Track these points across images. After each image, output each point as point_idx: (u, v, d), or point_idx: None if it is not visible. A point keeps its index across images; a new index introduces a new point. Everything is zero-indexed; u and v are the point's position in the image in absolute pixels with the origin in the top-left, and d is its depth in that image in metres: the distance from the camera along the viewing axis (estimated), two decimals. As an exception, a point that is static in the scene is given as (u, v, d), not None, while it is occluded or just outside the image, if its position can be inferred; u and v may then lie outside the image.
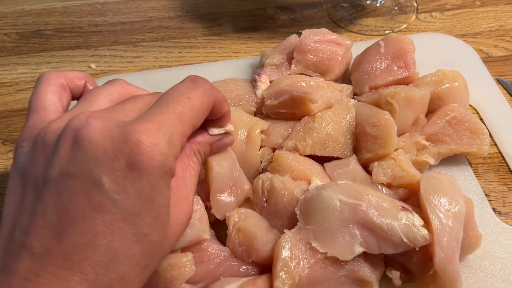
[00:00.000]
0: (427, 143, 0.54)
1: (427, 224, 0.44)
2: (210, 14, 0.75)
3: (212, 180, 0.48)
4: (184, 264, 0.44)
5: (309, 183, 0.49)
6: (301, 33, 0.61)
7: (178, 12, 0.76)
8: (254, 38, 0.71)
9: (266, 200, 0.49)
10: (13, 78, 0.67)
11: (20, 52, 0.70)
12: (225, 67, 0.67)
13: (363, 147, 0.53)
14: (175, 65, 0.68)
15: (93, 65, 0.68)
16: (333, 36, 0.61)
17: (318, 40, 0.60)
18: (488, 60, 0.67)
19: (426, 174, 0.48)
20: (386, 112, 0.53)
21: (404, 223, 0.44)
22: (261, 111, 0.57)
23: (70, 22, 0.75)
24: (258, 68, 0.63)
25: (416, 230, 0.44)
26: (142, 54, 0.70)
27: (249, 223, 0.47)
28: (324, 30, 0.61)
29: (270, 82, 0.60)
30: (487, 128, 0.59)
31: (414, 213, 0.45)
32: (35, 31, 0.73)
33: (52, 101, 0.38)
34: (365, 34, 0.71)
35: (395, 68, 0.58)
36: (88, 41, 0.72)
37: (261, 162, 0.53)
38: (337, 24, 0.73)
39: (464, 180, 0.55)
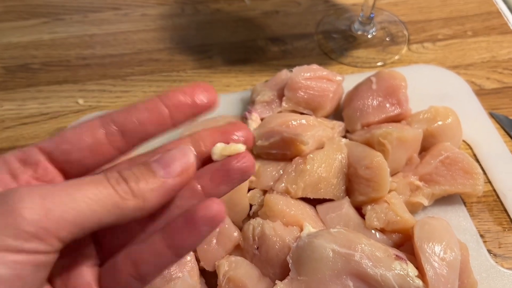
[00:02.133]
0: (420, 184, 0.54)
1: (421, 273, 0.43)
2: (200, 46, 0.74)
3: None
4: (172, 319, 0.43)
5: (301, 229, 0.48)
6: (291, 70, 0.60)
7: (167, 44, 0.75)
8: (245, 71, 0.70)
9: (257, 248, 0.48)
10: (-2, 115, 0.66)
11: (6, 88, 0.69)
12: (215, 102, 0.65)
13: (355, 189, 0.52)
14: (165, 100, 0.67)
15: (80, 101, 0.67)
16: (324, 72, 0.60)
17: (309, 77, 0.59)
18: (480, 93, 0.66)
19: (419, 220, 0.47)
20: (379, 153, 0.52)
21: (398, 274, 0.43)
22: (252, 151, 0.56)
23: (57, 55, 0.73)
24: (249, 104, 0.62)
25: (410, 281, 0.42)
26: (131, 88, 0.69)
27: (239, 272, 0.46)
28: (314, 66, 0.61)
29: (261, 119, 0.60)
30: (480, 165, 0.58)
31: (408, 262, 0.44)
32: (22, 65, 0.72)
33: None
34: (356, 66, 0.71)
35: (387, 105, 0.58)
36: (76, 75, 0.71)
37: (251, 205, 0.52)
38: (328, 55, 0.72)
39: (459, 220, 0.54)
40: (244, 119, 0.60)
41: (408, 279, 0.43)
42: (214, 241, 0.48)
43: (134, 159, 0.31)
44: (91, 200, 0.25)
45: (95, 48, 0.74)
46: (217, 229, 0.48)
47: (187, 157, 0.29)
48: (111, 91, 0.69)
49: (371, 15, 0.72)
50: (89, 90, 0.69)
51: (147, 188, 0.27)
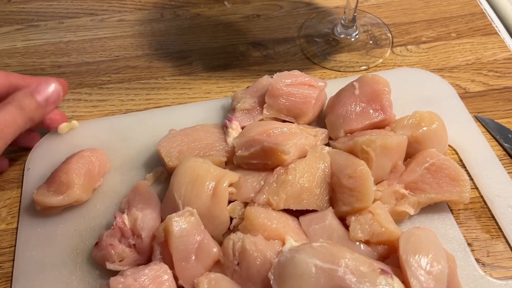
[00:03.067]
0: (406, 192, 0.52)
1: (408, 288, 0.42)
2: (179, 52, 0.72)
3: (172, 247, 0.44)
4: None
5: (283, 243, 0.46)
6: (272, 76, 0.59)
7: (146, 50, 0.72)
8: (226, 77, 0.69)
9: (238, 263, 0.46)
10: (-31, 128, 0.63)
11: (-23, 98, 0.66)
12: (195, 109, 0.64)
13: (339, 199, 0.50)
14: (143, 108, 0.65)
15: (55, 111, 0.65)
16: (306, 78, 0.59)
17: (290, 83, 0.58)
18: (465, 96, 0.65)
19: (405, 231, 0.46)
20: (362, 162, 0.50)
21: (383, 289, 0.41)
22: (233, 161, 0.55)
23: (31, 64, 0.71)
24: (229, 112, 0.60)
25: (396, 296, 0.41)
26: (107, 97, 0.66)
27: (218, 291, 0.44)
28: (296, 72, 0.59)
29: (242, 128, 0.58)
30: (467, 170, 0.57)
31: (394, 276, 0.42)
32: (-6, 74, 0.69)
33: None
34: (339, 71, 0.69)
35: (371, 111, 0.56)
36: (50, 84, 0.68)
37: (232, 218, 0.50)
38: (310, 60, 0.70)
39: (446, 229, 0.52)
40: (224, 127, 0.58)
41: (394, 294, 0.41)
42: (193, 257, 0.46)
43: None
44: (14, 121, 0.50)
45: (71, 55, 0.72)
46: (196, 245, 0.46)
47: (58, 92, 0.55)
48: (87, 100, 0.66)
49: (353, 18, 0.71)
50: (64, 99, 0.66)
51: (37, 115, 0.53)
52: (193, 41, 0.73)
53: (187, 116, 0.62)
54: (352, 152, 0.53)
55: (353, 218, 0.49)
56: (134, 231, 0.49)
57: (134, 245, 0.49)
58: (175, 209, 0.49)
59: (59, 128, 0.60)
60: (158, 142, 0.56)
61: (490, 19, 0.76)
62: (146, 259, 0.49)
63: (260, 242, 0.46)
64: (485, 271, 0.50)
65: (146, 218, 0.50)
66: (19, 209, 0.55)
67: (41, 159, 0.59)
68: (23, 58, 0.72)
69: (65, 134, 0.61)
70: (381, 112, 0.56)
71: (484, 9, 0.78)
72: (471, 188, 0.55)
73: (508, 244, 0.52)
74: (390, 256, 0.47)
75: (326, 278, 0.41)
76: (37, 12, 0.78)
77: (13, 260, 0.52)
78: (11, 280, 0.50)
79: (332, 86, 0.62)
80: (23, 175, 0.58)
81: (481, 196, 0.56)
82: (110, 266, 0.48)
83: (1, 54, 0.72)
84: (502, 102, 0.65)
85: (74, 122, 0.61)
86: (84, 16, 0.78)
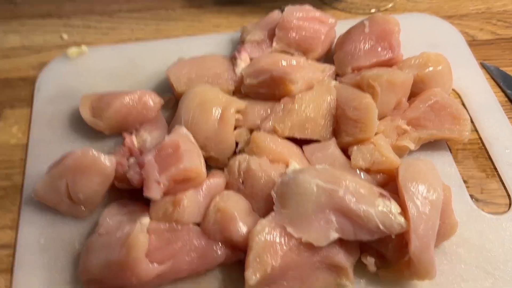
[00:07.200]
0: (408, 128, 0.53)
1: (404, 211, 0.44)
2: (190, -15, 0.72)
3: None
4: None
5: (287, 166, 0.48)
6: (284, 9, 0.59)
7: (156, -19, 0.72)
8: (236, 12, 0.69)
9: (242, 182, 0.48)
10: (-21, 47, 0.64)
11: (-13, 19, 0.67)
12: (204, 42, 0.64)
13: (343, 130, 0.52)
14: (152, 38, 0.65)
15: (65, 36, 0.65)
16: (317, 13, 0.59)
17: (301, 17, 0.58)
18: (473, 44, 0.65)
19: (405, 160, 0.47)
20: (368, 95, 0.51)
21: (381, 210, 0.43)
22: (240, 90, 0.56)
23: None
24: (239, 44, 0.61)
25: (392, 218, 0.43)
26: (118, 25, 0.67)
27: (229, 204, 0.46)
28: (307, 7, 0.59)
29: (251, 59, 0.58)
30: (468, 113, 0.58)
31: (391, 200, 0.44)
32: (4, -4, 0.69)
33: None
34: (350, 12, 0.69)
35: (379, 49, 0.57)
36: (60, 9, 0.68)
37: (238, 143, 0.51)
38: (321, 0, 0.70)
39: (444, 166, 0.54)
40: (233, 59, 0.58)
41: (390, 216, 0.43)
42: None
43: None
44: None
45: (81, -18, 0.72)
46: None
47: None
48: (97, 28, 0.66)
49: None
50: (74, 25, 0.67)
51: None
52: (205, -25, 0.73)
53: (196, 47, 0.63)
54: (358, 87, 0.54)
55: (355, 147, 0.50)
56: (142, 151, 0.51)
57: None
58: (182, 130, 0.50)
59: (68, 52, 0.61)
60: (167, 68, 0.56)
61: (503, -29, 0.75)
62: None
63: (265, 163, 0.48)
64: (478, 206, 0.52)
65: (154, 141, 0.51)
66: (29, 126, 0.56)
67: (51, 81, 0.60)
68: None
69: (74, 58, 0.61)
70: (389, 50, 0.57)
71: (499, -40, 0.77)
72: (471, 130, 0.56)
73: (502, 183, 0.54)
74: (388, 184, 0.49)
75: (327, 197, 0.43)
76: None
77: (23, 173, 0.53)
78: (21, 191, 0.52)
79: (342, 26, 0.62)
80: (33, 95, 0.59)
81: (480, 138, 0.57)
82: (118, 185, 0.50)
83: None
84: (508, 51, 0.65)
85: (84, 47, 0.62)
86: None
